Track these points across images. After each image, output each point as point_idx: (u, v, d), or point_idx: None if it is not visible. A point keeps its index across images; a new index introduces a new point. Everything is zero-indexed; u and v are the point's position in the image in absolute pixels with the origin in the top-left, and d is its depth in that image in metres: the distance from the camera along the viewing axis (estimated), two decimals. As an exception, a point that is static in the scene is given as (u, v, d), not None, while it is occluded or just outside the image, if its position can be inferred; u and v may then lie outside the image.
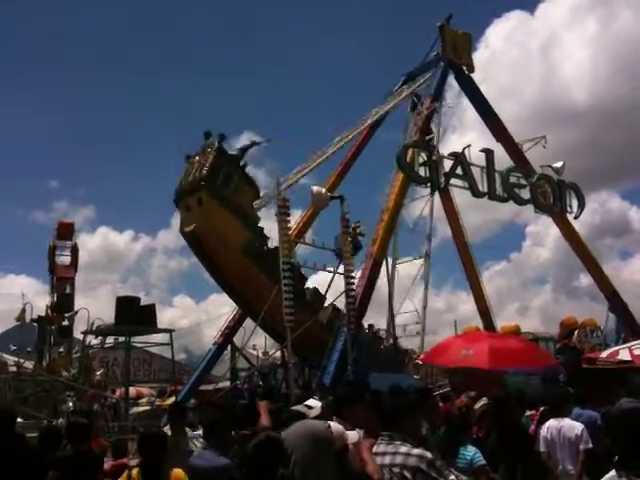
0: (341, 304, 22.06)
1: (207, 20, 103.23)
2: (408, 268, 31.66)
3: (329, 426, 4.14)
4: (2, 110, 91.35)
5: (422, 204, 31.45)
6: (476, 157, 26.84)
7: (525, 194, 28.27)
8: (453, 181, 26.86)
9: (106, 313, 23.90)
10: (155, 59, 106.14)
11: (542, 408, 8.64)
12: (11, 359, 25.60)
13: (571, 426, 7.25)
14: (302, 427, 4.18)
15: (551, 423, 7.39)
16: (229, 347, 27.09)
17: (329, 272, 23.94)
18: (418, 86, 30.54)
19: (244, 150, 24.01)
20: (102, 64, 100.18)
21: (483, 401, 8.74)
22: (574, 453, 7.09)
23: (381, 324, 29.14)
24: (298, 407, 4.75)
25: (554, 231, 34.11)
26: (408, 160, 25.28)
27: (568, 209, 29.90)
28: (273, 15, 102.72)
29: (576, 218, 30.56)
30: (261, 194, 24.55)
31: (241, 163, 23.56)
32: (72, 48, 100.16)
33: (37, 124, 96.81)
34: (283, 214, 19.44)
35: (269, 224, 23.79)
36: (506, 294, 70.02)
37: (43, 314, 27.97)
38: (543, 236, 72.43)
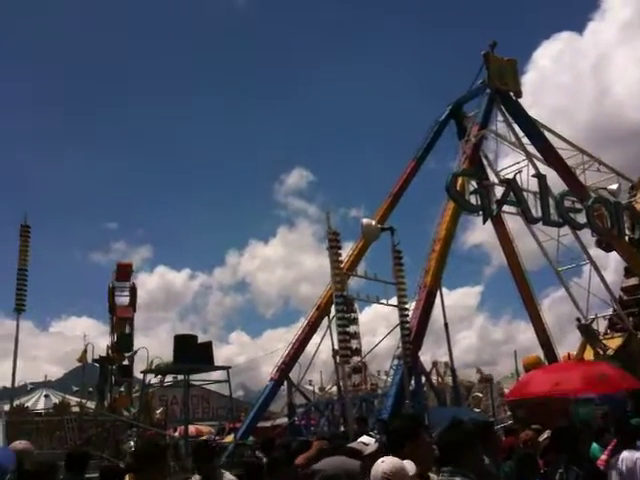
0: (396, 337, 21.83)
1: (252, 56, 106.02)
2: (464, 297, 31.22)
3: (365, 464, 4.08)
4: (62, 158, 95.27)
5: (474, 233, 31.06)
6: (528, 182, 26.43)
7: (581, 218, 27.59)
8: (506, 208, 26.45)
9: (165, 351, 24.36)
10: (204, 104, 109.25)
11: (615, 439, 8.27)
12: (74, 400, 26.18)
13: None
14: (336, 462, 4.12)
15: (625, 455, 7.05)
16: (285, 383, 27.05)
17: (383, 304, 23.81)
18: (465, 115, 30.45)
19: None
20: (155, 113, 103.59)
21: (547, 434, 8.45)
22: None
23: (438, 356, 28.67)
24: (354, 444, 4.70)
25: (613, 255, 33.08)
26: (458, 188, 25.07)
27: (627, 232, 29.02)
28: (317, 49, 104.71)
29: (632, 240, 29.67)
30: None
31: None
32: (129, 101, 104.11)
33: (95, 169, 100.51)
34: (334, 247, 19.50)
35: (321, 258, 23.87)
36: (568, 322, 67.95)
37: (104, 354, 28.58)
38: (603, 260, 70.29)
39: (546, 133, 31.65)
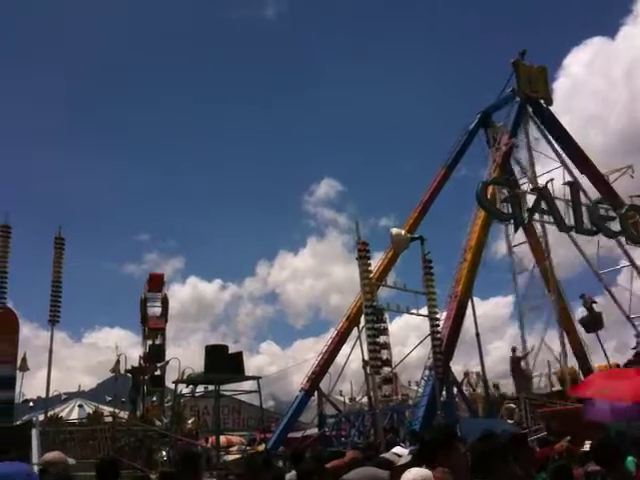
0: (427, 347, 21.67)
1: (280, 66, 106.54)
2: (496, 307, 30.86)
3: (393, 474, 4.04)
4: (95, 171, 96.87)
5: (506, 242, 30.75)
6: (560, 190, 26.09)
7: (615, 226, 27.13)
8: (537, 216, 26.14)
9: (196, 362, 24.47)
10: (234, 115, 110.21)
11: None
12: (107, 409, 26.47)
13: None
14: (365, 472, 4.09)
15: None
16: (316, 393, 27.00)
17: (413, 314, 23.64)
18: (495, 124, 30.27)
19: None
20: (185, 124, 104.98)
21: (587, 446, 8.28)
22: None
23: (470, 366, 28.33)
24: (386, 455, 4.67)
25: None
26: (489, 197, 24.86)
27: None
28: (344, 58, 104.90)
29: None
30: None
31: None
32: (160, 112, 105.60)
33: (127, 182, 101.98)
34: (363, 257, 19.47)
35: (351, 268, 23.80)
36: (603, 331, 66.51)
37: (137, 365, 28.85)
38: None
39: (578, 140, 31.32)
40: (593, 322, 27.42)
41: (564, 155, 31.38)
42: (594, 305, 27.99)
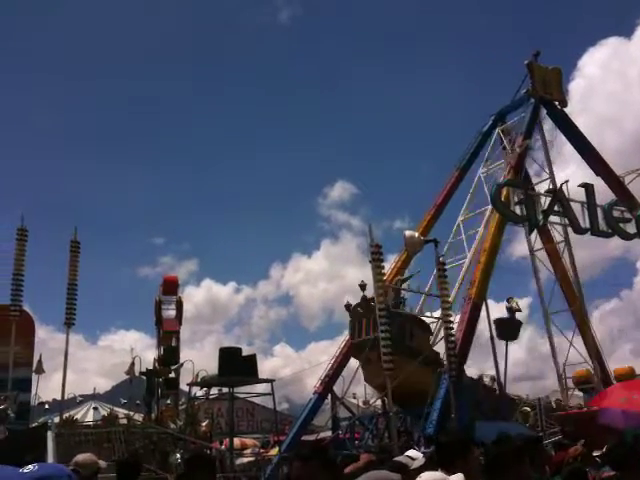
0: (441, 349, 21.59)
1: (294, 72, 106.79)
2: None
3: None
4: (110, 175, 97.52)
5: (521, 244, 30.59)
6: (576, 192, 25.94)
7: (631, 228, 26.91)
8: (552, 218, 26.00)
9: (211, 364, 24.56)
10: (246, 120, 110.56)
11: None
12: (122, 412, 26.57)
13: None
14: (377, 476, 4.07)
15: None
16: (329, 396, 26.97)
17: (427, 317, 23.56)
18: (509, 125, 30.18)
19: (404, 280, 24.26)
20: (199, 128, 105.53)
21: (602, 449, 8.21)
22: None
23: (486, 369, 28.16)
24: (400, 458, 4.65)
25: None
26: (503, 199, 24.76)
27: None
28: (358, 61, 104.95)
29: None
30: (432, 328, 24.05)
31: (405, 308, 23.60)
32: (177, 115, 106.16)
33: (142, 186, 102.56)
34: (377, 260, 19.44)
35: (365, 271, 23.74)
36: (619, 334, 66.09)
37: (151, 367, 28.94)
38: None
39: (593, 141, 31.10)
40: (510, 328, 25.41)
41: (579, 156, 31.22)
42: (517, 314, 26.01)
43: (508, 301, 25.82)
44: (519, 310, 25.88)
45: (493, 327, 24.54)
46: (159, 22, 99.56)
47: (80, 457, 4.93)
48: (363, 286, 22.53)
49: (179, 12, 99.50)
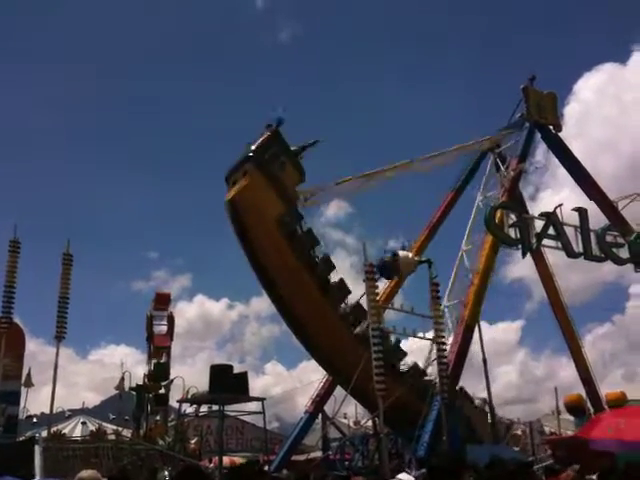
0: (433, 371, 21.50)
1: (290, 91, 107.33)
2: (504, 332, 30.59)
3: None
4: (103, 188, 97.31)
5: (515, 266, 30.67)
6: (569, 216, 26.07)
7: (624, 253, 27.05)
8: (546, 242, 26.10)
9: (202, 380, 24.34)
10: (240, 133, 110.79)
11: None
12: (110, 427, 26.33)
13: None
14: None
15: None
16: (320, 416, 26.82)
17: (419, 338, 23.49)
18: (503, 147, 30.36)
19: (303, 147, 24.22)
20: (191, 141, 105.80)
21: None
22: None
23: (478, 392, 28.07)
24: (391, 480, 4.63)
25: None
26: (497, 221, 24.86)
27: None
28: (361, 76, 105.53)
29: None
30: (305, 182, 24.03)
31: (295, 150, 23.67)
32: (174, 129, 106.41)
33: (136, 200, 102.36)
34: (371, 279, 19.42)
35: (358, 290, 23.53)
36: (611, 359, 66.11)
37: (141, 382, 28.71)
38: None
39: (588, 166, 31.32)
40: (392, 267, 22.55)
41: (573, 181, 31.44)
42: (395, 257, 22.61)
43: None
44: (396, 254, 22.88)
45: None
46: (159, 22, 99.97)
47: (85, 473, 4.95)
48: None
49: (179, 12, 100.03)
